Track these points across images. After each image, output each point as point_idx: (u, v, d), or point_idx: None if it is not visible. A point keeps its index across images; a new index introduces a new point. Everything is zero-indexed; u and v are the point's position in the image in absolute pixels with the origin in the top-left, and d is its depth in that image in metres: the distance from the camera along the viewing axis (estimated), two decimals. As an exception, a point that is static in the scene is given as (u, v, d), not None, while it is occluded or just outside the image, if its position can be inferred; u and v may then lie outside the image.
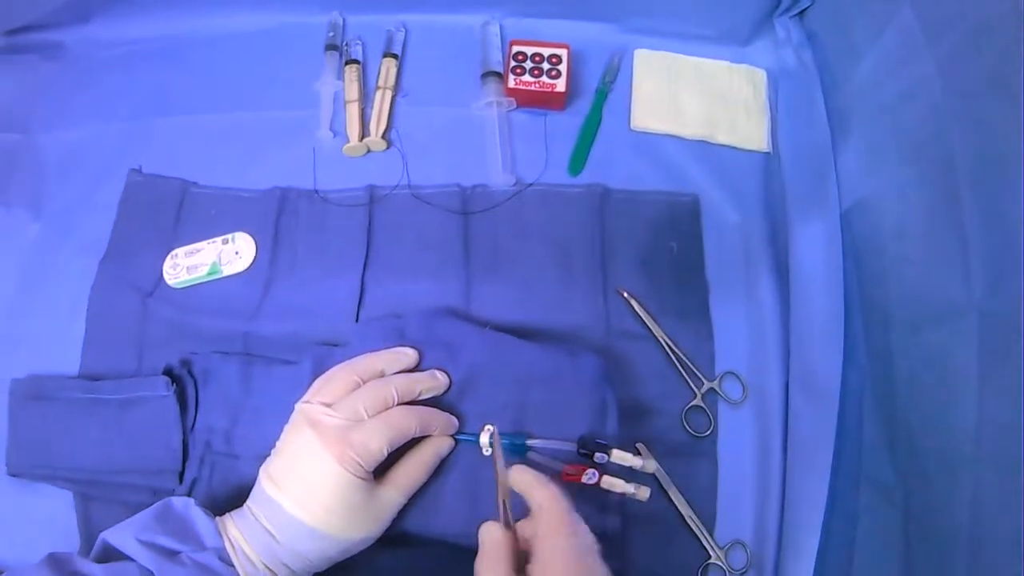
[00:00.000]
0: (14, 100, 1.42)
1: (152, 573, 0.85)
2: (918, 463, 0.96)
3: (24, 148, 1.36)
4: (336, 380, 0.96)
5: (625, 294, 1.18)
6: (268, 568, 0.87)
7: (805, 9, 1.36)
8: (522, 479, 0.88)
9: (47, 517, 1.11)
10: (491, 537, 0.84)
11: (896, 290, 1.04)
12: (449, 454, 1.00)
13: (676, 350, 1.15)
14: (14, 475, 1.10)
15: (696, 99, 1.35)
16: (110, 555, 0.89)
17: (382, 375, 0.99)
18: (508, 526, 0.86)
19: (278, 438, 0.95)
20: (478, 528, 0.89)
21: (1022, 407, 0.77)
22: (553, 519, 0.82)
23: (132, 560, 0.86)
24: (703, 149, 1.32)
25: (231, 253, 1.22)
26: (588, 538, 0.83)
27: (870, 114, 1.16)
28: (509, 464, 0.92)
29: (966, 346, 0.86)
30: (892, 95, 1.08)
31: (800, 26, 1.37)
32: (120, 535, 0.88)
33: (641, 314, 1.17)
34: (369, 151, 1.32)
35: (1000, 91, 0.84)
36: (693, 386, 1.14)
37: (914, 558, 0.95)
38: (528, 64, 1.31)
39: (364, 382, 0.96)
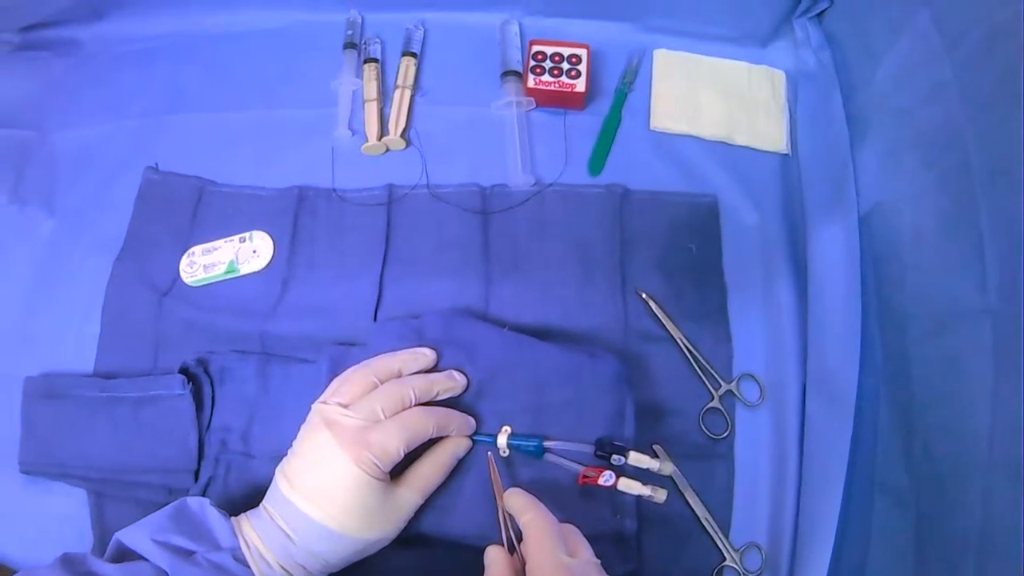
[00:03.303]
0: (28, 97, 1.42)
1: (167, 573, 0.85)
2: (932, 467, 0.96)
3: (38, 145, 1.36)
4: (353, 380, 0.96)
5: (644, 295, 1.18)
6: (284, 568, 0.87)
7: (824, 11, 1.36)
8: (512, 502, 0.90)
9: (60, 515, 1.11)
10: (492, 560, 0.85)
11: (912, 294, 1.04)
12: (466, 455, 1.00)
13: (694, 352, 1.15)
14: (27, 473, 1.10)
15: (715, 100, 1.35)
16: (124, 555, 0.89)
17: (399, 375, 0.98)
18: (512, 549, 0.87)
19: (294, 438, 0.95)
20: (495, 527, 0.90)
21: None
22: (536, 541, 0.83)
23: (146, 560, 0.86)
24: (722, 150, 1.32)
25: (248, 252, 1.21)
26: (582, 557, 0.83)
27: (888, 117, 1.16)
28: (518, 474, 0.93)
29: (981, 350, 0.87)
30: (910, 99, 1.08)
31: (819, 28, 1.37)
32: (135, 535, 0.88)
33: (659, 315, 1.17)
34: (388, 150, 1.31)
35: (1015, 95, 0.84)
36: (710, 388, 1.14)
37: (926, 561, 0.95)
38: (548, 64, 1.31)
39: (381, 382, 0.96)
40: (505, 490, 0.92)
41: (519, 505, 0.88)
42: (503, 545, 0.88)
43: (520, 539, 0.86)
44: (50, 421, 1.10)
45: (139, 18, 1.46)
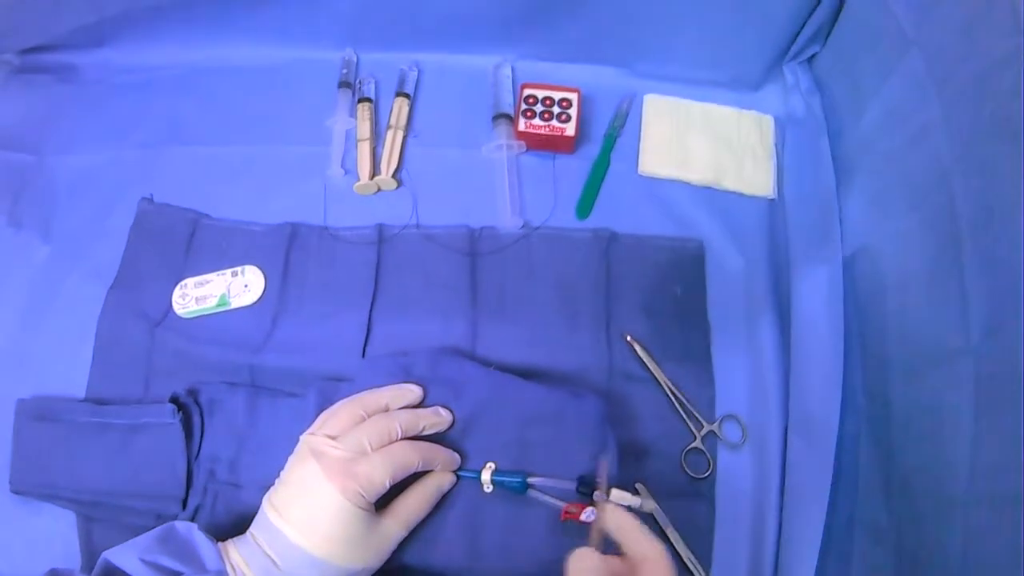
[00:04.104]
0: (27, 121, 1.44)
1: (153, 592, 0.86)
2: (912, 505, 0.97)
3: (35, 170, 1.38)
4: (341, 414, 0.97)
5: (628, 338, 1.19)
6: (268, 594, 0.88)
7: (815, 55, 1.38)
8: (623, 523, 0.88)
9: (49, 536, 1.12)
10: (585, 566, 0.84)
11: (895, 335, 1.05)
12: (451, 490, 1.01)
13: (677, 393, 1.16)
14: (17, 493, 1.11)
15: (704, 145, 1.36)
16: (111, 574, 0.89)
17: (386, 410, 0.99)
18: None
19: (282, 469, 0.96)
20: (480, 563, 0.93)
21: (1017, 449, 0.78)
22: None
23: (133, 579, 0.87)
24: (710, 195, 1.33)
25: (240, 286, 1.23)
26: None
27: (876, 160, 1.17)
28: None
29: (962, 390, 0.87)
30: (898, 141, 1.09)
31: (809, 72, 1.38)
32: (123, 555, 0.89)
33: (644, 357, 1.18)
34: (379, 190, 1.33)
35: (1003, 136, 0.85)
36: (693, 429, 1.15)
37: (906, 600, 0.96)
38: (539, 107, 1.32)
39: (368, 416, 0.97)
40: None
41: (636, 532, 0.86)
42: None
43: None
44: (41, 443, 1.12)
45: (139, 48, 1.48)
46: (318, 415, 0.99)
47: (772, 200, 1.33)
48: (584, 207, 1.31)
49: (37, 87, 1.48)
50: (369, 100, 1.41)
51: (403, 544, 0.97)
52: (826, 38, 1.34)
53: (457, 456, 1.01)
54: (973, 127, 0.92)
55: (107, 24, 1.42)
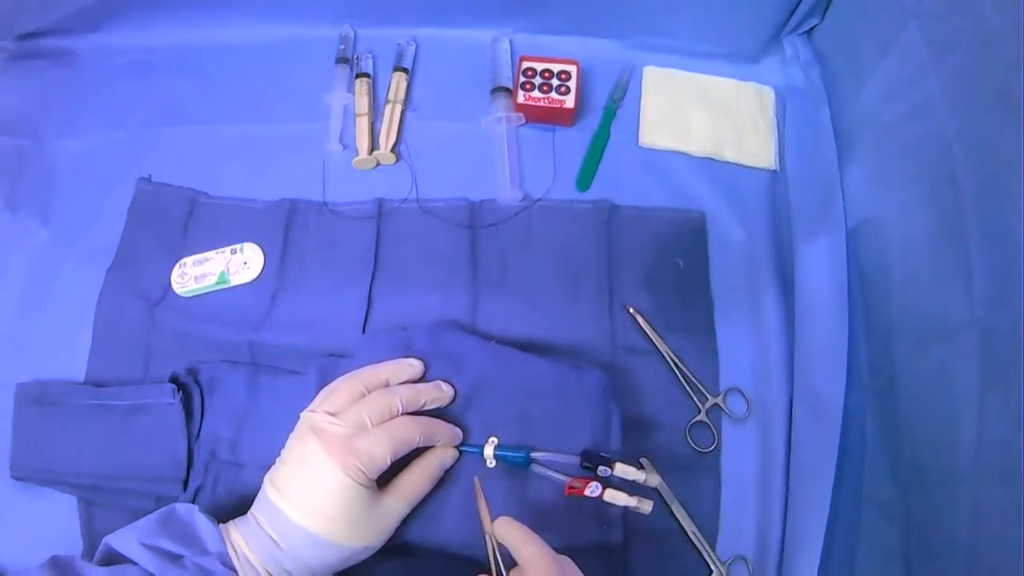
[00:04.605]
0: (24, 106, 1.43)
1: (154, 576, 0.85)
2: (918, 479, 0.96)
3: (33, 154, 1.37)
4: (341, 390, 0.96)
5: (631, 310, 1.18)
6: (270, 574, 0.87)
7: (814, 27, 1.37)
8: (507, 533, 0.87)
9: (50, 521, 1.11)
10: None
11: (899, 307, 1.04)
12: (453, 465, 1.00)
13: (681, 366, 1.16)
14: (18, 479, 1.10)
15: (704, 116, 1.36)
16: (113, 559, 0.89)
17: (387, 386, 0.98)
18: None
19: (283, 447, 0.95)
20: (481, 539, 0.90)
21: (1021, 422, 0.77)
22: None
23: (135, 564, 0.86)
24: (710, 166, 1.32)
25: (239, 263, 1.22)
26: None
27: (876, 132, 1.16)
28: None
29: (967, 362, 0.87)
30: (897, 114, 1.09)
31: (808, 44, 1.38)
32: (123, 539, 0.88)
33: (647, 330, 1.17)
34: (378, 164, 1.32)
35: (1003, 108, 0.84)
36: (697, 402, 1.14)
37: (914, 573, 0.95)
38: (537, 80, 1.32)
39: (369, 392, 0.96)
40: (494, 518, 0.92)
41: (517, 537, 0.86)
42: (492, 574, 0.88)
43: (509, 567, 0.86)
44: (41, 428, 1.11)
45: (134, 30, 1.47)
46: (319, 392, 0.99)
47: (774, 171, 1.32)
48: (584, 179, 1.30)
49: (34, 73, 1.47)
50: (367, 75, 1.40)
51: (406, 521, 0.96)
52: (825, 11, 1.33)
53: (459, 431, 1.00)
54: (972, 100, 0.92)
55: (103, 7, 1.42)
